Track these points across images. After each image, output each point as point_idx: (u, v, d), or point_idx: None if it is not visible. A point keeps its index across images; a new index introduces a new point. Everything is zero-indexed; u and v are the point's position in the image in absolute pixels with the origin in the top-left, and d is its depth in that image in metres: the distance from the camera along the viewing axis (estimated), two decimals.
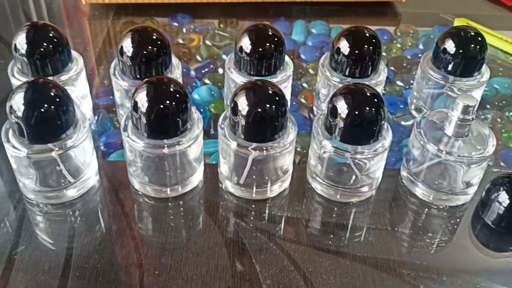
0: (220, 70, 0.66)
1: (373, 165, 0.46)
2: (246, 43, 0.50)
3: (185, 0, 0.75)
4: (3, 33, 0.70)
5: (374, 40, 0.51)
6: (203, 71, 0.65)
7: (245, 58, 0.51)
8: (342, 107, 0.43)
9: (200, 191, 0.49)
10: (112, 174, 0.50)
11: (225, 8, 0.77)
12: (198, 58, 0.68)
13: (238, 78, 0.52)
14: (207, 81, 0.64)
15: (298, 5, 0.78)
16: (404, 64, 0.66)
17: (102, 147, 0.54)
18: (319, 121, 0.46)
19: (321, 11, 0.78)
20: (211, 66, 0.66)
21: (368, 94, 0.43)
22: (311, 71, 0.66)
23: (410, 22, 0.76)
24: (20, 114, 0.41)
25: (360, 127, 0.43)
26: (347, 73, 0.52)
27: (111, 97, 0.60)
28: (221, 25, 0.75)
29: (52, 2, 0.78)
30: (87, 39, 0.71)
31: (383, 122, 0.43)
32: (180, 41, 0.71)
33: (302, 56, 0.69)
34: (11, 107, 0.42)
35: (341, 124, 0.43)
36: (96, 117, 0.56)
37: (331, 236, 0.45)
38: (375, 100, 0.43)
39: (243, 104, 0.43)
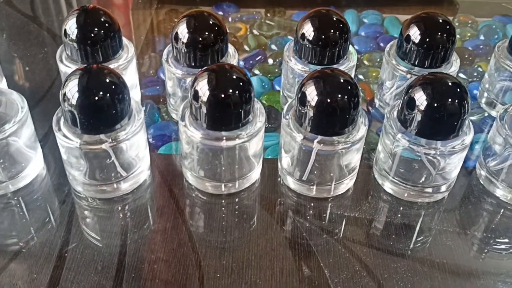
0: (270, 61, 0.62)
1: (449, 164, 0.42)
2: (308, 30, 0.47)
3: None
4: (46, 21, 0.67)
5: (448, 27, 0.47)
6: (251, 62, 0.62)
7: (307, 45, 0.47)
8: (421, 98, 0.39)
9: (258, 187, 0.46)
10: (164, 168, 0.47)
11: (272, 2, 0.73)
12: (246, 48, 0.65)
13: (298, 67, 0.48)
14: (256, 71, 0.60)
15: None
16: (466, 56, 0.62)
17: (150, 140, 0.51)
18: (392, 114, 0.43)
19: (371, 0, 0.74)
20: (260, 56, 0.63)
21: (451, 84, 0.39)
22: (366, 62, 0.62)
23: (468, 12, 0.71)
24: (74, 102, 0.38)
25: (441, 121, 0.39)
26: (416, 63, 0.48)
27: (158, 87, 0.57)
28: (268, 14, 0.71)
29: None
30: (129, 28, 0.68)
31: (466, 116, 0.40)
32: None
33: (356, 47, 0.65)
34: (64, 94, 0.39)
35: (419, 117, 0.40)
36: (144, 108, 0.53)
37: (405, 239, 0.41)
38: (459, 91, 0.39)
39: (312, 94, 0.39)
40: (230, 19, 0.70)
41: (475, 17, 0.70)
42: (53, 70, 0.55)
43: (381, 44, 0.65)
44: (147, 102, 0.54)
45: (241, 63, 0.62)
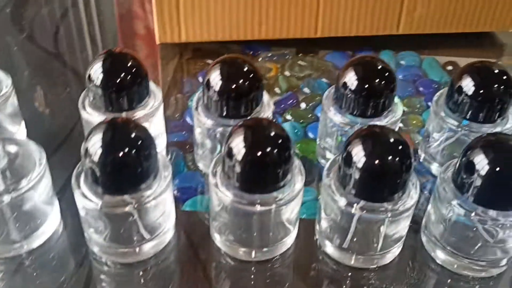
0: (303, 105, 0.59)
1: (509, 236, 0.37)
2: (351, 78, 0.43)
3: (262, 37, 0.67)
4: (69, 59, 0.64)
5: (505, 77, 0.42)
6: (283, 105, 0.58)
7: (349, 95, 0.43)
8: (482, 162, 0.35)
9: (293, 253, 0.41)
10: (190, 227, 0.43)
11: (303, 41, 0.69)
12: (277, 90, 0.61)
13: (337, 118, 0.45)
14: (288, 117, 0.57)
15: (382, 36, 0.70)
16: None
17: (175, 192, 0.47)
18: (445, 177, 0.38)
19: (408, 41, 0.69)
20: (292, 99, 0.59)
21: None
22: (405, 108, 0.58)
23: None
24: (96, 158, 0.35)
25: (504, 189, 0.35)
26: (467, 116, 0.44)
27: (184, 132, 0.53)
28: (300, 54, 0.68)
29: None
30: (156, 66, 0.65)
31: None
32: None
33: None
34: (86, 149, 0.35)
35: (478, 182, 0.35)
36: (168, 157, 0.50)
37: None
38: None
39: (359, 154, 0.35)
40: (260, 59, 0.67)
41: None
42: (75, 113, 0.52)
43: (420, 89, 0.61)
44: (171, 149, 0.51)
45: (272, 106, 0.58)
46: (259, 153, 0.36)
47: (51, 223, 0.41)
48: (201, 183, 0.48)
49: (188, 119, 0.55)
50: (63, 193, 0.44)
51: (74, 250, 0.41)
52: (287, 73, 0.64)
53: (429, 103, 0.55)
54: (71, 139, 0.50)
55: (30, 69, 0.61)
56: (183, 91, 0.61)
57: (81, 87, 0.45)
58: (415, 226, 0.43)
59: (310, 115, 0.57)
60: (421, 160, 0.50)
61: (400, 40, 0.68)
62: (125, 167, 0.35)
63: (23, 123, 0.50)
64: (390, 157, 0.35)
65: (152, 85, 0.46)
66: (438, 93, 0.47)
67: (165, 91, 0.59)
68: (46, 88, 0.58)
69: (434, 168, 0.48)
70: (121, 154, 0.35)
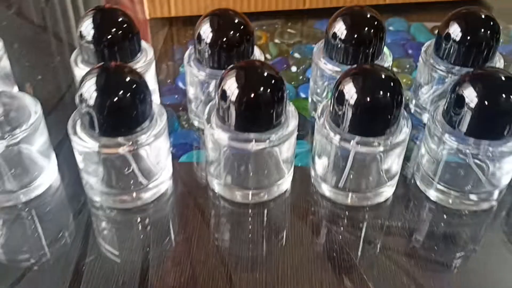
0: (293, 68, 0.59)
1: (500, 169, 0.38)
2: (341, 28, 0.44)
3: (252, 10, 0.68)
4: (57, 31, 0.64)
5: (492, 23, 0.43)
6: None
7: (339, 45, 0.44)
8: (471, 95, 0.36)
9: (289, 196, 0.42)
10: (187, 177, 0.44)
11: (292, 11, 0.70)
12: (267, 56, 0.62)
13: (328, 67, 0.45)
14: None
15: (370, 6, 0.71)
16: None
17: (170, 149, 0.47)
18: (436, 114, 0.39)
19: (396, 11, 0.70)
20: (283, 64, 0.60)
21: (504, 79, 0.36)
22: (395, 69, 0.59)
23: (499, 19, 0.68)
24: (91, 102, 0.35)
25: (493, 118, 0.36)
26: (455, 61, 0.45)
27: (176, 96, 0.54)
28: (289, 23, 0.68)
29: None
30: (147, 36, 0.65)
31: None
32: None
33: None
34: (81, 95, 0.36)
35: (469, 115, 0.36)
36: None
37: (455, 249, 0.38)
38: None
39: (350, 91, 0.36)
40: None
41: (507, 23, 0.67)
42: (66, 78, 0.52)
43: (409, 51, 0.62)
44: (166, 110, 0.51)
45: (263, 58, 0.58)
46: (252, 92, 0.36)
47: (49, 176, 0.42)
48: (195, 139, 0.48)
49: (180, 84, 0.56)
50: (60, 149, 0.44)
51: (72, 200, 0.41)
52: (277, 40, 0.65)
53: (418, 64, 0.56)
54: (65, 100, 0.51)
55: (19, 42, 0.61)
56: (174, 58, 0.61)
57: (69, 55, 0.46)
58: (408, 170, 0.44)
59: (301, 77, 0.57)
60: (412, 112, 0.51)
61: (388, 9, 0.69)
62: (119, 109, 0.36)
63: (15, 87, 0.50)
64: (381, 92, 0.36)
65: (143, 43, 0.47)
66: (426, 44, 0.48)
67: (156, 59, 0.60)
68: (36, 58, 0.58)
69: (425, 118, 0.49)
70: (115, 95, 0.35)
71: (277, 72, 0.38)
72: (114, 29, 0.43)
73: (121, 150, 0.37)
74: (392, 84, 0.36)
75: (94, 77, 0.36)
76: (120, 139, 0.37)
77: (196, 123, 0.49)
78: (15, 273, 0.36)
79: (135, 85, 0.36)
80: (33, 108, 0.40)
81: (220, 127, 0.38)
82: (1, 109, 0.38)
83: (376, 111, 0.36)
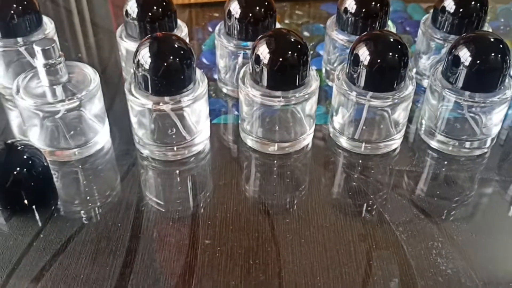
0: None
1: (491, 119, 0.45)
2: (351, 3, 0.50)
3: None
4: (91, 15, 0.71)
5: None
6: None
7: (350, 18, 0.51)
8: (465, 55, 0.43)
9: (311, 149, 0.49)
10: (220, 135, 0.50)
11: None
12: None
13: (340, 37, 0.52)
14: None
15: None
16: None
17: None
18: (436, 73, 0.46)
19: None
20: None
21: (493, 40, 0.43)
22: None
23: None
24: (147, 66, 0.42)
25: (484, 74, 0.43)
26: (449, 31, 0.51)
27: (202, 71, 0.60)
28: (297, 6, 0.75)
29: None
30: None
31: (506, 71, 0.43)
32: None
33: None
34: (138, 61, 0.42)
35: (464, 72, 0.43)
36: None
37: (455, 188, 0.45)
38: (501, 46, 0.43)
39: (364, 53, 0.43)
40: None
41: (495, 3, 0.74)
42: (110, 51, 0.58)
43: (407, 28, 0.69)
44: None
45: None
46: (281, 56, 0.43)
47: (102, 138, 0.48)
48: (223, 106, 0.55)
49: (204, 59, 0.62)
50: (108, 114, 0.51)
51: (126, 155, 0.47)
52: (287, 21, 0.71)
53: (416, 39, 0.63)
54: (107, 74, 0.57)
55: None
56: (195, 38, 0.68)
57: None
58: (412, 127, 0.51)
59: (312, 52, 0.64)
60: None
61: None
62: (170, 72, 0.42)
63: None
64: (390, 54, 0.43)
65: (179, 21, 0.53)
66: (424, 17, 0.55)
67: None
68: (73, 38, 0.64)
69: (425, 83, 0.56)
70: (167, 60, 0.42)
71: (301, 38, 0.44)
72: (155, 7, 0.50)
73: (167, 108, 0.43)
74: (399, 47, 0.43)
75: (147, 46, 0.42)
76: (167, 99, 0.43)
77: (224, 90, 0.55)
78: (88, 211, 0.42)
79: (183, 51, 0.43)
80: (93, 76, 0.46)
81: (253, 87, 0.44)
82: (67, 75, 0.45)
83: (386, 69, 0.43)
